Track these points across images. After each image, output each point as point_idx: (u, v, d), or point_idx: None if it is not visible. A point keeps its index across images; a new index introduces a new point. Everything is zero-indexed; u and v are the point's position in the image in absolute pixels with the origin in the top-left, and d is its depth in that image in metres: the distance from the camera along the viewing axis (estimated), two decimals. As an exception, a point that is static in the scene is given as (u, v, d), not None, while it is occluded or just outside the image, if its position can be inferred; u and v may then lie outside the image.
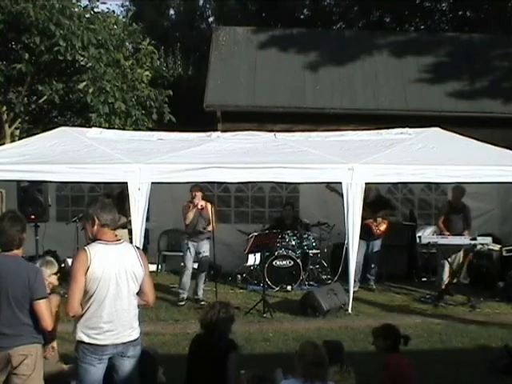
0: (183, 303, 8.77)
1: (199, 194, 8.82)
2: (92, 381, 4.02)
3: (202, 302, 8.58)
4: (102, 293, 3.95)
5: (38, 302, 4.02)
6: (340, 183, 8.31)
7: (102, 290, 3.95)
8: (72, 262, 4.01)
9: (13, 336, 4.02)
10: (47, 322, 4.06)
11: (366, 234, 9.17)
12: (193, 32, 26.54)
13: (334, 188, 9.13)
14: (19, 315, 4.02)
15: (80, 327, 4.00)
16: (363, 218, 8.64)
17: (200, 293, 8.91)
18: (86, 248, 3.99)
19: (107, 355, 4.01)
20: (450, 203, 9.58)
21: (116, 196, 9.15)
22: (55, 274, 5.39)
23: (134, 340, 4.12)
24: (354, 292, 8.49)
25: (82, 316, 3.98)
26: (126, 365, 4.08)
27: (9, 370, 4.06)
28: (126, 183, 8.09)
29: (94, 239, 4.05)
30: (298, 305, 8.40)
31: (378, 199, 9.56)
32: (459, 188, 9.28)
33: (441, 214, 9.58)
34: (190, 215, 8.75)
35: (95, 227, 4.04)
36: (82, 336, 3.99)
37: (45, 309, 4.05)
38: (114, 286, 3.99)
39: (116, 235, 4.17)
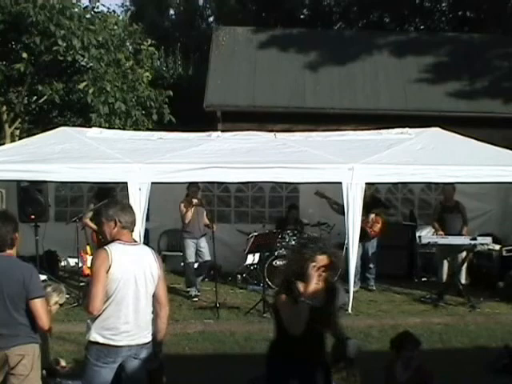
0: (197, 299, 8.98)
1: (197, 194, 9.05)
2: (101, 383, 3.96)
3: (195, 299, 8.80)
4: (121, 294, 3.91)
5: (33, 301, 4.00)
6: (340, 183, 8.31)
7: (122, 290, 3.91)
8: (92, 261, 3.97)
9: (9, 336, 4.00)
10: (44, 321, 4.04)
11: (361, 235, 9.19)
12: (193, 32, 26.52)
13: (323, 194, 9.21)
14: (15, 315, 4.00)
15: (95, 328, 3.92)
16: None
17: (194, 289, 9.09)
18: (106, 248, 3.95)
19: (121, 357, 3.96)
20: (442, 203, 9.58)
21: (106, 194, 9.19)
22: (60, 305, 5.24)
23: (148, 342, 4.09)
24: (353, 292, 8.50)
25: (97, 316, 3.91)
26: (136, 366, 4.05)
27: (6, 371, 4.04)
28: (123, 183, 8.13)
29: (112, 240, 4.01)
30: (298, 305, 8.39)
31: (371, 199, 9.51)
32: (450, 187, 9.26)
33: (434, 215, 9.59)
34: (189, 214, 8.89)
35: (116, 229, 4.01)
36: (96, 337, 3.92)
37: (41, 308, 4.02)
38: (133, 287, 3.96)
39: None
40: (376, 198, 10.03)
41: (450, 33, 21.57)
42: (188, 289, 9.19)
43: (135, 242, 4.15)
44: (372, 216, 9.49)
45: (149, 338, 4.10)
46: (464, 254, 9.05)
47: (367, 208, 9.25)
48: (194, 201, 8.90)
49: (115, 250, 3.94)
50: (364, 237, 9.35)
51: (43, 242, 9.16)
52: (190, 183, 8.95)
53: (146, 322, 4.07)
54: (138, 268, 4.00)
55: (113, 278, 3.87)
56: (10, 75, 13.55)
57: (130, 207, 4.25)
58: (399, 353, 4.85)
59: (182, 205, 9.00)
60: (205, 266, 9.10)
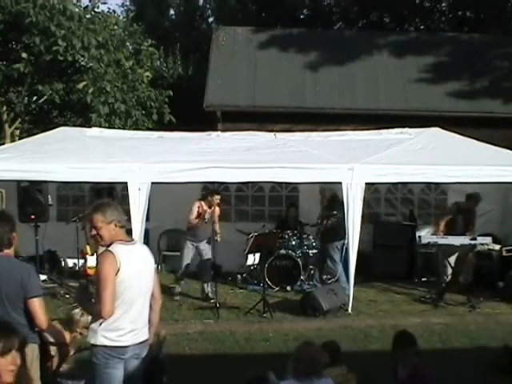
0: (178, 298, 8.96)
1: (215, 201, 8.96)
2: None
3: (212, 300, 8.64)
4: (129, 294, 3.91)
5: (31, 301, 4.01)
6: (340, 183, 8.31)
7: (129, 291, 3.90)
8: (101, 265, 3.88)
9: None
10: (41, 321, 4.05)
11: (326, 235, 9.25)
12: (193, 32, 26.51)
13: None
14: (13, 315, 4.00)
15: (101, 331, 3.88)
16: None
17: (208, 290, 9.04)
18: (111, 250, 3.89)
19: (127, 356, 3.96)
20: (460, 207, 9.32)
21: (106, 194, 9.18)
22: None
23: (148, 339, 4.11)
24: (353, 292, 8.49)
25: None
26: (136, 365, 4.06)
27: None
28: (123, 183, 8.13)
29: (111, 242, 3.95)
30: (298, 305, 8.41)
31: (332, 200, 9.25)
32: (478, 197, 9.21)
33: (446, 214, 9.44)
34: (198, 221, 8.85)
35: (115, 230, 3.95)
36: (103, 340, 3.87)
37: (39, 307, 4.02)
38: (138, 285, 3.97)
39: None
40: (337, 198, 9.16)
41: (450, 33, 21.56)
42: (172, 285, 9.12)
43: (131, 239, 4.11)
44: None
45: (147, 335, 4.11)
46: (464, 253, 9.05)
47: (328, 209, 9.20)
48: (208, 211, 8.82)
49: (120, 251, 3.90)
50: (328, 237, 9.24)
51: (43, 242, 9.15)
52: (212, 190, 8.99)
53: (146, 319, 4.09)
54: (141, 267, 4.01)
55: (120, 280, 3.85)
56: (10, 75, 13.55)
57: (118, 204, 4.20)
58: (394, 350, 4.85)
59: (196, 208, 8.88)
60: (206, 264, 9.06)
